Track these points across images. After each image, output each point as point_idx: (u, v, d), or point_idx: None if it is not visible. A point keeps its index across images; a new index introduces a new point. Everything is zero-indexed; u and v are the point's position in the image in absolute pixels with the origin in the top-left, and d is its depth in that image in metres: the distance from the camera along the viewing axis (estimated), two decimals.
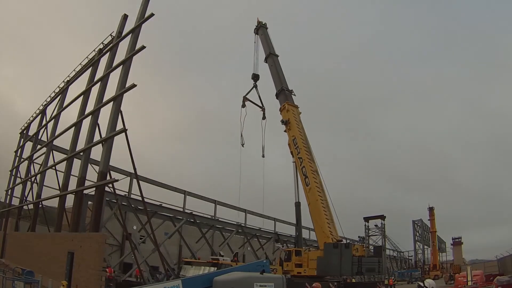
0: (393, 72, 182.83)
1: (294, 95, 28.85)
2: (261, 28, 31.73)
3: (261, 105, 32.05)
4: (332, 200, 25.16)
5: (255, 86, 31.99)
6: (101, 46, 22.97)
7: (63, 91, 27.90)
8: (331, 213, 24.43)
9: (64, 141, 25.45)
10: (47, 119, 29.71)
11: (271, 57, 30.05)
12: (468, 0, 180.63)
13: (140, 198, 18.94)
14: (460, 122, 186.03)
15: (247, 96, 32.06)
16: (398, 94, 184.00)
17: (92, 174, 20.54)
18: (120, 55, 20.09)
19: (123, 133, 16.61)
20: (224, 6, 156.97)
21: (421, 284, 9.29)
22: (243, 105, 31.80)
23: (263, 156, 31.85)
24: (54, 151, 26.58)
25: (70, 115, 25.32)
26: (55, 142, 26.80)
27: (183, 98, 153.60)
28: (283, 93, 28.10)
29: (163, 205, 27.45)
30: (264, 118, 31.59)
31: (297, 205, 27.35)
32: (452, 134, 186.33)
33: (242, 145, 31.61)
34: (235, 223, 34.49)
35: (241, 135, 31.53)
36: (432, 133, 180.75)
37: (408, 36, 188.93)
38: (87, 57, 24.68)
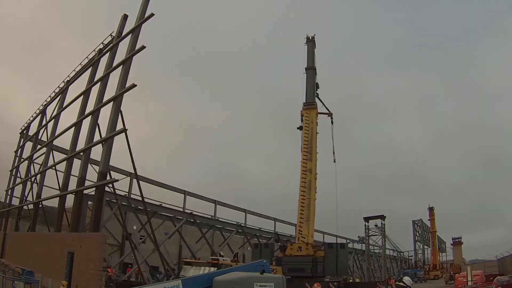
0: (368, 81, 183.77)
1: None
2: (308, 43, 34.01)
3: (327, 111, 34.27)
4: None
5: (316, 95, 33.72)
6: (101, 46, 22.97)
7: (63, 91, 27.89)
8: (310, 212, 24.33)
9: (64, 141, 25.48)
10: (47, 119, 29.70)
11: (312, 70, 32.46)
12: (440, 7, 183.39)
13: (140, 198, 18.95)
14: (439, 131, 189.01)
15: None
16: (374, 105, 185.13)
17: (92, 174, 20.52)
18: (120, 55, 20.13)
19: (123, 133, 16.63)
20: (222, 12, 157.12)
21: (401, 284, 9.16)
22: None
23: (334, 161, 34.19)
24: (54, 151, 26.56)
25: (70, 115, 25.35)
26: (55, 142, 26.79)
27: (173, 103, 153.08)
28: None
29: (163, 205, 27.45)
30: (332, 123, 34.32)
31: None
32: (432, 142, 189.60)
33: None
34: (235, 223, 34.50)
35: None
36: (412, 142, 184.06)
37: (382, 45, 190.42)
38: (87, 57, 24.68)
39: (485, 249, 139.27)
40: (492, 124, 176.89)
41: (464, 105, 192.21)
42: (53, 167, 25.24)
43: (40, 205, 26.35)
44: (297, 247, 23.33)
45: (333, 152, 33.89)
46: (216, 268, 16.41)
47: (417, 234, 75.48)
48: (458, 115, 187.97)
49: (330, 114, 34.36)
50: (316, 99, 33.63)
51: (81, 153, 20.59)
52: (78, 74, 26.28)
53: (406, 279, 9.29)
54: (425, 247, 77.28)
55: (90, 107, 21.40)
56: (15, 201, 32.88)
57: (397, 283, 9.44)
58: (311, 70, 32.23)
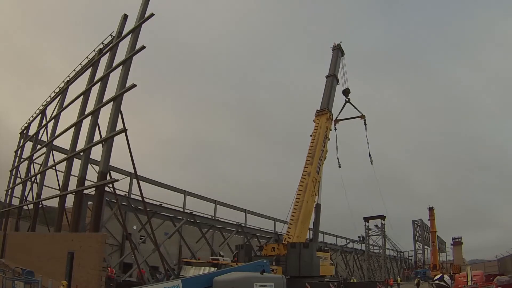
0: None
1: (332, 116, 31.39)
2: (335, 50, 34.24)
3: (359, 114, 35.51)
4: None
5: (347, 100, 35.03)
6: (101, 46, 22.98)
7: (63, 91, 27.90)
8: (301, 214, 24.48)
9: (64, 141, 25.50)
10: (47, 119, 29.71)
11: (333, 77, 32.26)
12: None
13: (140, 198, 18.93)
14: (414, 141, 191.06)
15: (338, 118, 34.90)
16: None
17: (92, 174, 20.54)
18: (120, 55, 20.13)
19: (123, 133, 16.64)
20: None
21: (443, 283, 9.07)
22: (335, 128, 34.25)
23: (371, 163, 36.18)
24: (54, 151, 26.56)
25: (70, 115, 25.36)
26: (55, 142, 26.79)
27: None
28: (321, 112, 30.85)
29: (163, 205, 27.41)
30: (365, 125, 35.54)
31: (317, 207, 28.12)
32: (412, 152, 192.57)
33: (339, 166, 35.02)
34: (235, 223, 34.48)
35: (338, 158, 34.79)
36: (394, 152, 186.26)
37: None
38: (87, 57, 24.70)
39: (485, 249, 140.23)
40: (460, 134, 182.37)
41: (435, 117, 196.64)
42: (53, 167, 25.24)
43: (40, 205, 26.36)
44: (271, 247, 23.59)
45: (369, 154, 35.92)
46: (216, 268, 16.42)
47: (417, 234, 75.51)
48: (431, 128, 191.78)
49: (362, 117, 35.44)
50: (348, 104, 35.21)
51: (81, 153, 20.59)
52: (78, 74, 26.29)
53: (447, 278, 9.27)
54: (425, 247, 77.31)
55: (90, 107, 21.41)
56: (15, 201, 32.90)
57: (437, 282, 9.38)
58: (330, 77, 32.15)
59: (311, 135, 29.39)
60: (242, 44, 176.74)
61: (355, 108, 35.62)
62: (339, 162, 35.08)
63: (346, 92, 35.10)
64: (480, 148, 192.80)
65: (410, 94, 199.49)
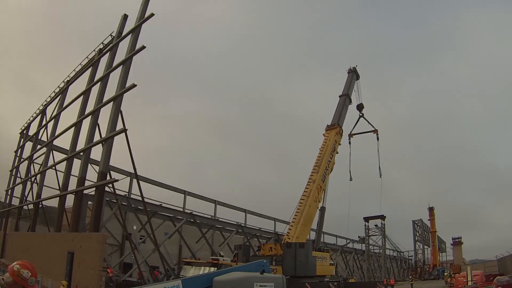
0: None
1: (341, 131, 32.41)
2: (350, 73, 35.79)
3: (372, 128, 37.38)
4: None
5: (361, 115, 36.94)
6: (101, 46, 22.99)
7: (63, 91, 27.91)
8: (302, 217, 24.82)
9: (64, 141, 25.51)
10: (47, 119, 29.72)
11: (345, 97, 33.57)
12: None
13: (140, 198, 18.94)
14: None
15: (352, 133, 36.97)
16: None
17: (92, 174, 20.56)
18: (120, 55, 20.15)
19: (123, 133, 16.64)
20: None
21: None
22: (350, 142, 36.23)
23: (380, 176, 37.84)
24: (54, 151, 26.56)
25: (70, 115, 25.36)
26: (55, 142, 26.80)
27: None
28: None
29: (163, 205, 27.40)
30: (378, 139, 37.82)
31: (321, 210, 28.56)
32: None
33: (351, 179, 37.09)
34: (235, 223, 34.48)
35: (350, 171, 36.73)
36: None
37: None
38: (87, 57, 24.72)
39: (485, 249, 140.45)
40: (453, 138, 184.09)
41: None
42: (53, 167, 25.24)
43: (40, 205, 26.36)
44: (269, 247, 23.73)
45: (379, 167, 37.80)
46: (216, 268, 16.41)
47: (417, 234, 75.49)
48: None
49: (375, 131, 37.21)
50: (362, 118, 37.16)
51: (81, 153, 20.60)
52: (78, 74, 26.30)
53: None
54: (425, 247, 77.32)
55: (90, 107, 21.43)
56: (15, 201, 32.90)
57: None
58: (343, 97, 33.37)
59: (320, 148, 30.05)
60: (238, 51, 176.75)
61: (368, 122, 37.40)
62: (350, 175, 36.91)
63: (360, 107, 36.70)
64: (472, 153, 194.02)
65: (403, 100, 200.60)
